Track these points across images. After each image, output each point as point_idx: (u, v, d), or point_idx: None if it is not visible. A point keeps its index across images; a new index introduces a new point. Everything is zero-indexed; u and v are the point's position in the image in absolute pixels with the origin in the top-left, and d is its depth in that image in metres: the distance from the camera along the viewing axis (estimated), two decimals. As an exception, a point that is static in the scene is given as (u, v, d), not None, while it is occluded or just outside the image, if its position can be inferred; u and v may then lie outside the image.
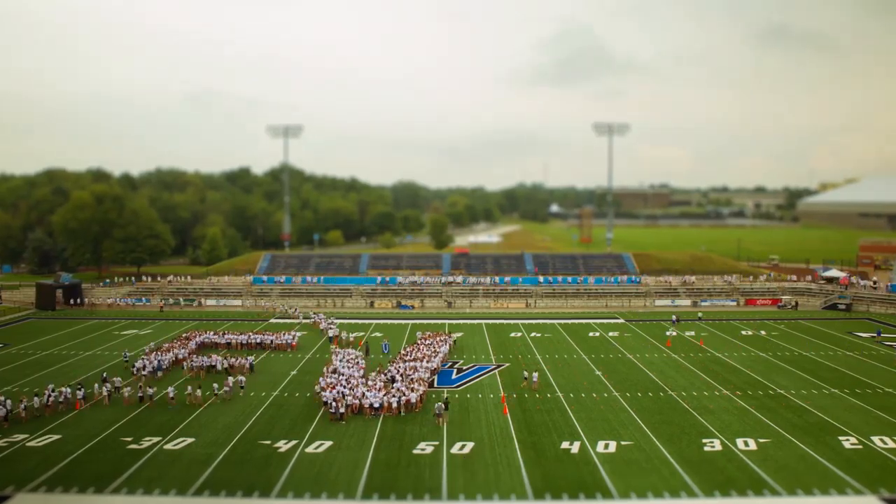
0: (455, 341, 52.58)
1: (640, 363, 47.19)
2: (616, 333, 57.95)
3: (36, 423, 34.02)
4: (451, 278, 79.77)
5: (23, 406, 35.30)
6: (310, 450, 30.63)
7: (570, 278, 79.81)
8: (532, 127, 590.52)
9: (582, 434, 32.63)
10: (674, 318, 63.58)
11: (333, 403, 35.10)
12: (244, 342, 52.02)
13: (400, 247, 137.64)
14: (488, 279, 79.54)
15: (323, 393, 36.67)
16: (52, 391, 36.59)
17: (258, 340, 52.23)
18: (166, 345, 49.37)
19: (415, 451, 30.44)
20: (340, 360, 44.06)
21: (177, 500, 25.45)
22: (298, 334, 54.52)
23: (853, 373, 44.55)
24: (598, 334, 58.27)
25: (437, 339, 50.79)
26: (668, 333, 54.73)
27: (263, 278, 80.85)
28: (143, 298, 75.81)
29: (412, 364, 42.77)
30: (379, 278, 79.80)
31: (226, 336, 52.91)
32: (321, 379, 39.51)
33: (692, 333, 57.40)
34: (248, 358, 45.66)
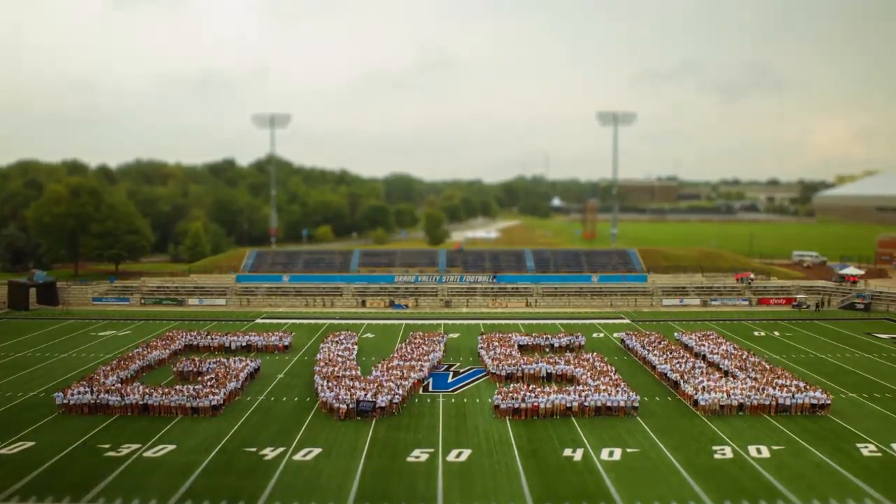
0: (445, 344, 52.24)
1: (646, 365, 47.15)
2: (621, 334, 57.91)
3: (7, 430, 33.88)
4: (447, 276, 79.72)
5: None
6: (298, 457, 30.59)
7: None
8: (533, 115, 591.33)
9: (585, 440, 32.63)
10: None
11: (341, 405, 35.92)
12: (227, 344, 51.75)
13: (393, 243, 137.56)
14: (486, 277, 79.52)
15: (323, 395, 37.36)
16: None
17: (244, 342, 52.01)
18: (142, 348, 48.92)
19: (409, 459, 30.43)
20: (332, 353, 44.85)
21: (157, 511, 25.40)
22: (288, 336, 53.97)
23: (872, 376, 44.65)
24: (602, 335, 58.30)
25: (431, 338, 50.73)
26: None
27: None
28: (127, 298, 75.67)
29: (407, 364, 42.89)
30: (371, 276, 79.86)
31: (209, 337, 52.70)
32: (320, 379, 39.60)
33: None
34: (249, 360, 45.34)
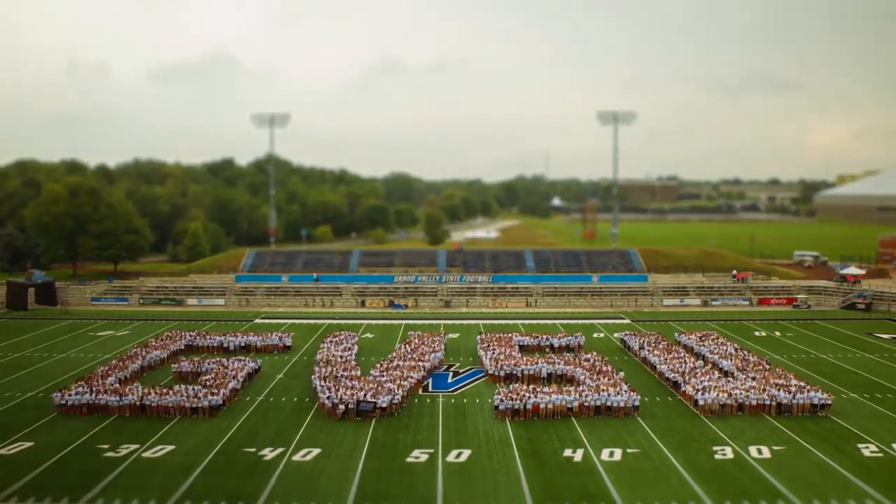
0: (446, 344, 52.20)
1: (646, 366, 47.17)
2: (621, 334, 57.92)
3: (6, 430, 33.90)
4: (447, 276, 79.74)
5: None
6: (297, 458, 30.61)
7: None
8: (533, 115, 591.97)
9: (585, 441, 32.65)
10: None
11: (338, 405, 36.07)
12: (226, 344, 51.68)
13: (393, 243, 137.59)
14: (486, 277, 79.53)
15: (321, 395, 37.42)
16: None
17: (244, 342, 51.96)
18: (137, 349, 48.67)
19: (408, 460, 30.45)
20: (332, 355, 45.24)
21: (156, 512, 25.42)
22: (288, 336, 53.84)
23: (873, 376, 44.66)
24: (602, 335, 58.31)
25: (431, 339, 50.70)
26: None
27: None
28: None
29: (407, 364, 42.93)
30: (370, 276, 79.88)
31: (207, 337, 52.67)
32: (319, 380, 39.65)
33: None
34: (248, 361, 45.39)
